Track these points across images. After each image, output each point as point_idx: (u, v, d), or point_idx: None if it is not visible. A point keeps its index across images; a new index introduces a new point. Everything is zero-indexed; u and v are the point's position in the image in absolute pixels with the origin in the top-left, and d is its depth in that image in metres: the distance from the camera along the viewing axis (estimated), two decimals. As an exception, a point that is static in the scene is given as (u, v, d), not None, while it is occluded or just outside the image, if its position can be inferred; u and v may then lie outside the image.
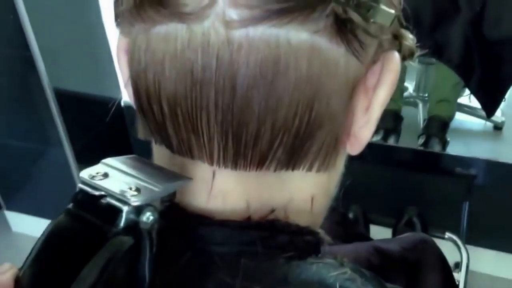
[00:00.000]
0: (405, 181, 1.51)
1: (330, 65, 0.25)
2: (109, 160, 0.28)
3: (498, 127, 1.81)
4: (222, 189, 0.29)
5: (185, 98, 0.26)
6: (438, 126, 1.58)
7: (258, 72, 0.25)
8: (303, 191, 0.31)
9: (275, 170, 0.28)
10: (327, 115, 0.27)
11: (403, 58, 0.29)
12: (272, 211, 0.30)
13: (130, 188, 0.26)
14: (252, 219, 0.29)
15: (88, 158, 1.63)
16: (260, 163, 0.27)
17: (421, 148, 1.57)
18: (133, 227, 0.25)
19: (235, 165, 0.28)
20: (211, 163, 0.28)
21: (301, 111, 0.26)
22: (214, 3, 0.24)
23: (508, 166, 1.46)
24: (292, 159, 0.28)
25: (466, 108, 1.78)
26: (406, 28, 0.30)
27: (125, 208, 0.25)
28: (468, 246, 1.16)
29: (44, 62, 1.38)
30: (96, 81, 1.64)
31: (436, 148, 1.55)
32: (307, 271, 0.28)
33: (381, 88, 0.28)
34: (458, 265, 1.15)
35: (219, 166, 0.28)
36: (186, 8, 0.25)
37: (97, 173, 0.27)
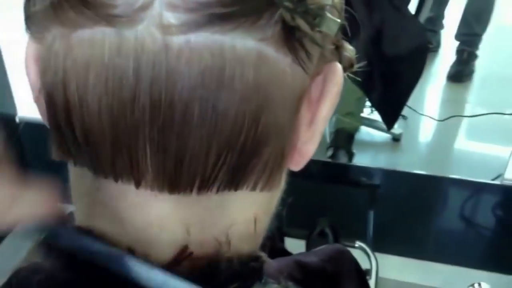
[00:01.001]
0: (316, 192, 1.54)
1: (277, 76, 0.24)
2: None
3: (396, 139, 1.93)
4: (158, 215, 0.26)
5: (113, 112, 0.23)
6: (345, 139, 1.64)
7: (200, 83, 0.22)
8: (246, 212, 0.29)
9: (217, 192, 0.26)
10: (274, 130, 0.25)
11: (343, 70, 0.28)
12: (215, 237, 0.27)
13: None
14: (191, 249, 0.27)
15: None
16: (201, 185, 0.25)
17: (329, 160, 1.62)
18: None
19: (172, 188, 0.25)
20: (144, 187, 0.25)
21: (247, 126, 0.24)
22: (149, 5, 0.21)
23: (406, 175, 1.56)
24: (235, 178, 0.25)
25: (367, 121, 1.88)
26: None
27: None
28: (376, 254, 1.21)
29: None
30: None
31: (343, 159, 1.61)
32: None
33: (325, 101, 0.27)
34: (368, 272, 1.20)
35: (153, 190, 0.25)
36: (116, 10, 0.21)
37: None
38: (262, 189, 0.27)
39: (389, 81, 1.48)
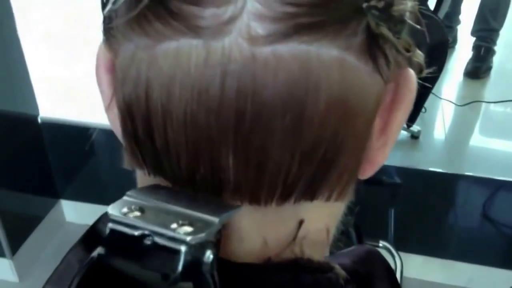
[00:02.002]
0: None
1: (358, 84, 0.23)
2: (134, 192, 0.23)
3: (415, 136, 1.92)
4: (237, 227, 0.26)
5: (198, 121, 0.23)
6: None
7: (286, 92, 0.22)
8: (318, 222, 0.28)
9: (295, 202, 0.25)
10: (352, 139, 0.25)
11: None
12: (290, 247, 0.27)
13: (179, 223, 0.21)
14: (271, 260, 0.26)
15: (2, 179, 1.49)
16: (281, 196, 0.25)
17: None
18: (192, 270, 0.21)
19: (253, 198, 0.25)
20: (225, 198, 0.25)
21: (329, 135, 0.23)
22: (238, 17, 0.21)
23: (427, 173, 1.55)
24: (313, 188, 0.25)
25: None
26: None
27: (182, 248, 0.20)
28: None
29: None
30: (10, 96, 1.51)
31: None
32: None
33: (400, 109, 0.27)
34: (392, 272, 1.19)
35: (234, 201, 0.25)
36: (204, 21, 0.21)
37: (130, 209, 0.22)
38: (336, 199, 0.27)
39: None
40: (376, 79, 0.24)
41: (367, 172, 0.29)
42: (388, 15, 0.23)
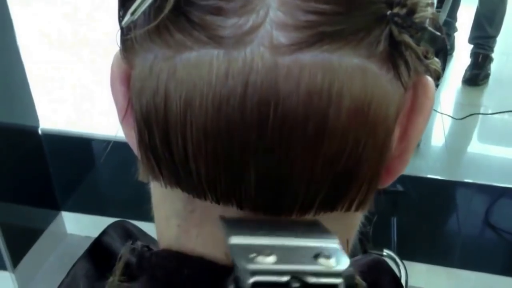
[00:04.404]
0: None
1: (380, 93, 0.23)
2: (238, 235, 0.21)
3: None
4: None
5: (219, 132, 0.22)
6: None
7: (309, 101, 0.22)
8: (338, 234, 0.28)
9: (314, 214, 0.25)
10: (373, 148, 0.24)
11: None
12: None
13: (317, 256, 0.20)
14: None
15: (3, 191, 1.48)
16: (302, 207, 0.24)
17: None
18: None
19: (272, 209, 0.24)
20: (243, 208, 0.24)
21: (350, 144, 0.23)
22: (260, 26, 0.21)
23: (429, 180, 1.55)
24: (334, 199, 0.25)
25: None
26: None
27: (339, 281, 0.19)
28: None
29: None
30: (11, 108, 1.50)
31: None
32: None
33: (419, 117, 0.27)
34: (397, 281, 1.18)
35: (255, 212, 0.24)
36: (225, 31, 0.21)
37: (258, 253, 0.20)
38: (356, 209, 0.26)
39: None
40: (397, 87, 0.24)
41: (387, 181, 0.28)
42: (410, 22, 0.23)
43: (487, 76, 2.35)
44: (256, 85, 0.21)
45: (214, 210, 0.25)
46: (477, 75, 2.32)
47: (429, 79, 0.27)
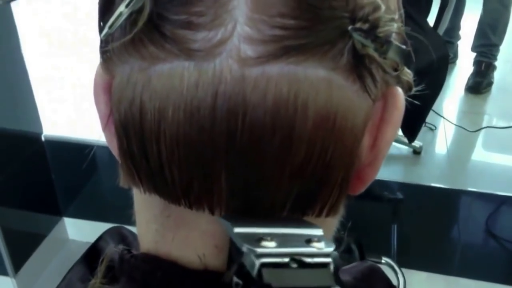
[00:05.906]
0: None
1: (346, 103, 0.24)
2: (239, 225, 0.24)
3: (417, 152, 1.92)
4: (228, 243, 0.27)
5: (191, 140, 0.23)
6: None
7: (276, 112, 0.23)
8: None
9: None
10: (341, 156, 0.25)
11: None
12: None
13: (309, 240, 0.23)
14: None
15: (5, 197, 1.50)
16: (271, 212, 0.25)
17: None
18: (337, 276, 0.23)
19: (245, 214, 0.25)
20: (214, 213, 0.25)
21: (317, 152, 0.24)
22: (228, 39, 0.22)
23: (430, 189, 1.55)
24: (303, 205, 0.26)
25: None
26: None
27: (329, 260, 0.22)
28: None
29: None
30: (14, 114, 1.52)
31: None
32: None
33: (388, 127, 0.27)
34: (395, 289, 1.18)
35: (223, 216, 0.25)
36: (195, 44, 0.22)
37: (260, 239, 0.23)
38: (327, 215, 0.27)
39: (410, 94, 1.47)
40: (364, 98, 0.25)
41: (358, 188, 0.29)
42: (373, 36, 0.23)
43: (490, 84, 2.35)
44: (225, 95, 0.22)
45: (188, 215, 0.26)
46: (480, 83, 2.32)
47: (399, 90, 0.28)
